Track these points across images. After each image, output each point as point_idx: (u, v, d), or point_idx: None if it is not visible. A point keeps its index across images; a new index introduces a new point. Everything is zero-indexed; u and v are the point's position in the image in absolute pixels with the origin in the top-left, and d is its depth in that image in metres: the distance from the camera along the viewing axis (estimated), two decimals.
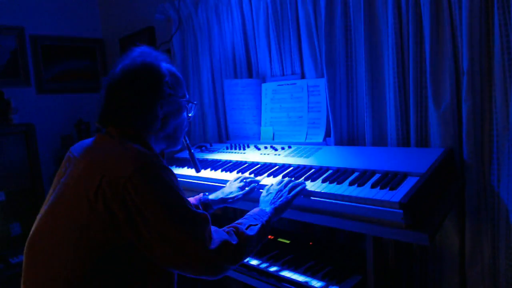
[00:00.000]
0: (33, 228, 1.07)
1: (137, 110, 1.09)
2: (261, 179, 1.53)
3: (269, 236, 1.81)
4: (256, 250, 1.12)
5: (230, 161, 1.86)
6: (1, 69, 3.17)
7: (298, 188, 1.33)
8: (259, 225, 1.13)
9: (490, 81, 1.39)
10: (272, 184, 1.38)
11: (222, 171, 1.74)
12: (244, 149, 2.00)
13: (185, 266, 0.99)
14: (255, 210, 1.23)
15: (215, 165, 1.85)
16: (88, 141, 1.15)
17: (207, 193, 1.51)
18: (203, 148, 2.22)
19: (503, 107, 1.35)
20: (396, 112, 1.61)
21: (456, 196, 1.38)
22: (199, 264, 0.98)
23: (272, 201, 1.27)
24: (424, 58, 1.52)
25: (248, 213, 1.21)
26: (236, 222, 1.14)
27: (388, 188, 1.21)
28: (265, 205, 1.26)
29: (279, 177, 1.49)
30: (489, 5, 1.36)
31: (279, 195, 1.29)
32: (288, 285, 1.44)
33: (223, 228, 1.09)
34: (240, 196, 1.45)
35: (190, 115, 1.27)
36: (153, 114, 1.11)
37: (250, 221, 1.14)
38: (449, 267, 1.53)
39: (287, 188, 1.32)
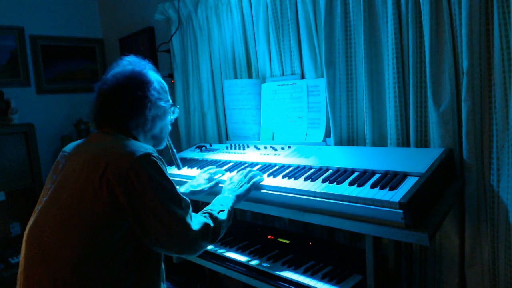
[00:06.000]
0: (32, 219, 1.14)
1: (131, 112, 1.24)
2: (225, 170, 1.71)
3: (269, 236, 1.82)
4: (224, 232, 1.27)
5: (230, 161, 1.86)
6: (1, 69, 3.17)
7: (256, 178, 1.49)
8: (226, 211, 1.29)
9: (490, 81, 1.39)
10: (234, 175, 1.54)
11: (226, 171, 1.74)
12: (243, 149, 2.00)
13: (172, 245, 1.11)
14: (220, 197, 1.38)
15: (215, 165, 1.85)
16: (80, 141, 1.29)
17: (178, 187, 1.58)
18: (203, 148, 2.22)
19: (503, 107, 1.35)
20: (396, 112, 1.61)
21: (456, 196, 1.38)
22: (184, 243, 1.12)
23: (234, 190, 1.43)
24: (424, 58, 1.52)
25: (214, 200, 1.36)
26: (207, 208, 1.29)
27: (388, 188, 1.21)
28: (228, 193, 1.42)
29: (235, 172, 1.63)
30: (489, 5, 1.35)
31: (240, 184, 1.46)
32: (288, 285, 1.44)
33: (199, 213, 1.24)
34: (206, 188, 1.62)
35: (173, 117, 1.42)
36: (143, 116, 1.26)
37: (219, 208, 1.30)
38: (448, 267, 1.53)
39: (246, 178, 1.49)
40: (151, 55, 3.04)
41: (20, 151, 2.92)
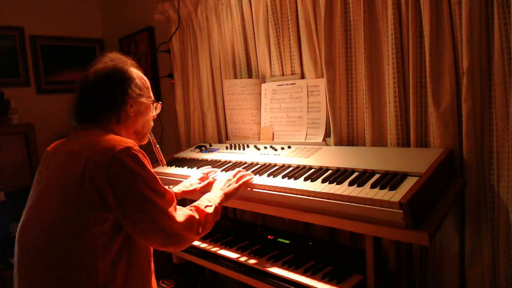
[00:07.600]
0: (22, 219, 1.17)
1: (112, 109, 1.24)
2: (221, 170, 1.73)
3: (269, 236, 1.82)
4: (211, 227, 1.29)
5: (230, 161, 1.86)
6: (1, 69, 3.17)
7: (245, 179, 1.53)
8: (213, 206, 1.32)
9: (490, 81, 1.39)
10: (223, 174, 1.58)
11: (222, 171, 1.74)
12: (243, 149, 2.00)
13: (156, 237, 1.13)
14: (208, 194, 1.41)
15: (215, 165, 1.85)
16: (62, 140, 1.29)
17: (171, 186, 1.65)
18: (203, 148, 2.22)
19: (503, 107, 1.35)
20: (396, 112, 1.61)
21: (456, 196, 1.37)
22: (169, 234, 1.13)
23: (223, 188, 1.46)
24: (424, 58, 1.52)
25: (203, 197, 1.38)
26: (195, 203, 1.32)
27: (388, 188, 1.21)
28: (217, 190, 1.44)
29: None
30: (489, 5, 1.35)
31: (228, 183, 1.49)
32: (288, 285, 1.44)
33: (186, 207, 1.25)
34: (199, 188, 1.64)
35: (154, 113, 1.42)
36: (125, 112, 1.26)
37: (206, 203, 1.32)
38: (449, 267, 1.53)
39: (235, 178, 1.52)
40: (151, 55, 3.04)
41: (20, 151, 2.92)
